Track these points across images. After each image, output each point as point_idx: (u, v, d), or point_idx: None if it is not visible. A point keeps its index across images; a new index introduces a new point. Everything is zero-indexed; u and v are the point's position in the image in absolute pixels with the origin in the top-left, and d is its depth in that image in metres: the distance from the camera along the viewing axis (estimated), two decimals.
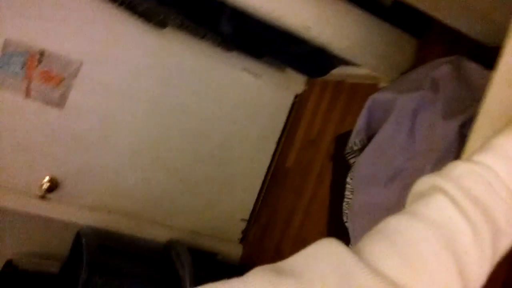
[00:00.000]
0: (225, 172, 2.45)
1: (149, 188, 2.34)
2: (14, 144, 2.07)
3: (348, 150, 1.53)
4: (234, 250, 2.50)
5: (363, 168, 1.42)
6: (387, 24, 1.67)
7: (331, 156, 1.96)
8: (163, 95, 2.27)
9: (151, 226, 2.36)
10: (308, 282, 0.32)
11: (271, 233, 2.32)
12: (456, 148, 1.12)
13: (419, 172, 1.22)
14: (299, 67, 2.12)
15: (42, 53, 2.02)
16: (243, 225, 2.53)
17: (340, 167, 1.60)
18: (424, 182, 0.44)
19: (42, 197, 2.15)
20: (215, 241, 2.47)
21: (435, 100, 1.27)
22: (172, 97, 2.28)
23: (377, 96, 1.46)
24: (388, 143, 1.35)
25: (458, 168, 0.43)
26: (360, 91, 2.00)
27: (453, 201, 0.39)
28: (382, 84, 1.83)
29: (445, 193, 0.40)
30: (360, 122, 1.48)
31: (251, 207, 2.53)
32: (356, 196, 1.45)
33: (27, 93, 2.05)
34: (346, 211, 1.49)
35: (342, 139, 1.63)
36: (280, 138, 2.52)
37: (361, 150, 1.48)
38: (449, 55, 1.39)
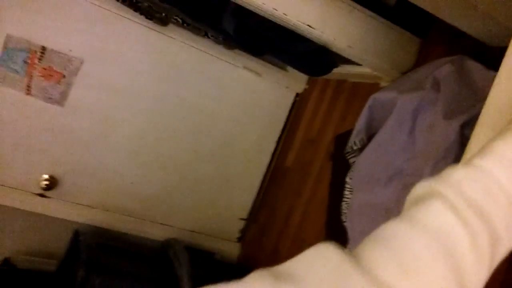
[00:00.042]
0: (224, 171, 2.44)
1: (147, 186, 2.33)
2: (13, 141, 2.06)
3: (348, 149, 1.53)
4: (232, 249, 2.49)
5: (363, 168, 1.42)
6: (390, 23, 1.66)
7: (330, 156, 1.95)
8: (163, 94, 2.26)
9: (149, 225, 2.35)
10: None
11: (269, 233, 2.31)
12: (456, 148, 1.11)
13: (419, 172, 1.21)
14: (300, 66, 2.11)
15: (43, 50, 2.02)
16: (241, 224, 2.52)
17: (340, 166, 1.59)
18: (423, 186, 0.43)
19: (41, 195, 2.14)
20: (213, 240, 2.46)
21: (436, 100, 1.26)
22: (172, 96, 2.27)
23: (378, 96, 1.45)
24: (388, 143, 1.34)
25: (457, 173, 0.42)
26: (361, 90, 1.99)
27: (452, 207, 0.39)
28: (383, 84, 1.83)
29: (444, 198, 0.40)
30: (361, 122, 1.48)
31: (249, 206, 2.52)
32: (356, 195, 1.44)
33: (28, 90, 2.04)
34: (345, 211, 1.48)
35: (342, 138, 1.62)
36: (280, 137, 2.51)
37: (361, 149, 1.47)
38: (451, 55, 1.38)
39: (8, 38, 1.96)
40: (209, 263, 2.36)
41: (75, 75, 2.09)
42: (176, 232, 2.36)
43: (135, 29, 2.12)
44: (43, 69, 2.04)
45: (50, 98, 2.08)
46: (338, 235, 1.49)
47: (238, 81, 2.36)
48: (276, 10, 1.48)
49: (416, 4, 1.34)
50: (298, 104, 2.48)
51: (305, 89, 2.47)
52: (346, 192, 1.50)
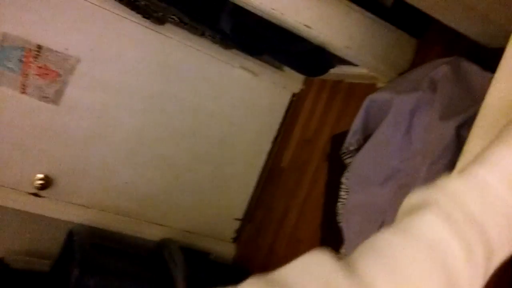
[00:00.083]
0: (220, 170, 2.43)
1: (142, 186, 2.32)
2: (7, 140, 2.05)
3: (344, 150, 1.53)
4: (227, 250, 2.49)
5: (359, 168, 1.42)
6: (387, 24, 1.66)
7: (327, 156, 1.95)
8: (159, 93, 2.25)
9: (144, 225, 2.34)
10: None
11: (265, 233, 2.31)
12: (452, 149, 1.11)
13: (415, 173, 1.21)
14: (297, 66, 2.11)
15: (39, 49, 2.00)
16: (237, 225, 2.52)
17: (336, 167, 1.59)
18: (417, 196, 0.42)
19: (35, 194, 2.13)
20: (208, 240, 2.45)
21: (432, 101, 1.26)
22: (169, 95, 2.27)
23: (374, 96, 1.45)
24: (385, 144, 1.34)
25: (453, 182, 0.41)
26: (358, 91, 1.99)
27: (447, 218, 0.38)
28: (380, 84, 1.83)
29: (439, 209, 0.39)
30: (357, 122, 1.48)
31: (245, 206, 2.52)
32: (352, 195, 1.44)
33: (23, 89, 2.03)
34: (341, 211, 1.48)
35: (338, 139, 1.62)
36: (276, 137, 2.51)
37: (357, 150, 1.47)
38: (448, 56, 1.38)
39: (4, 36, 1.95)
40: (204, 264, 2.35)
41: (71, 74, 2.08)
42: (171, 232, 2.35)
43: (132, 28, 2.11)
44: (39, 68, 2.03)
45: (45, 97, 2.07)
46: (334, 235, 1.49)
47: (234, 81, 2.36)
48: (273, 9, 1.48)
49: (413, 5, 1.34)
50: (295, 104, 2.48)
51: (301, 89, 2.47)
52: (342, 193, 1.50)
